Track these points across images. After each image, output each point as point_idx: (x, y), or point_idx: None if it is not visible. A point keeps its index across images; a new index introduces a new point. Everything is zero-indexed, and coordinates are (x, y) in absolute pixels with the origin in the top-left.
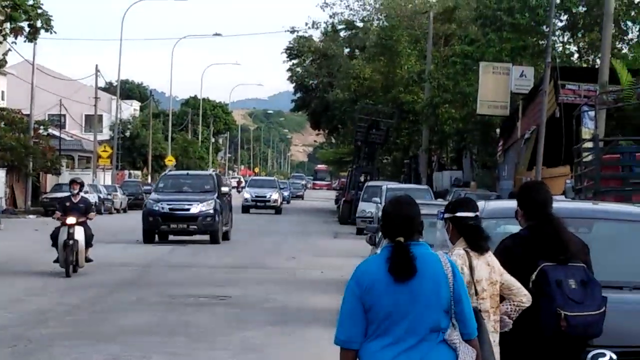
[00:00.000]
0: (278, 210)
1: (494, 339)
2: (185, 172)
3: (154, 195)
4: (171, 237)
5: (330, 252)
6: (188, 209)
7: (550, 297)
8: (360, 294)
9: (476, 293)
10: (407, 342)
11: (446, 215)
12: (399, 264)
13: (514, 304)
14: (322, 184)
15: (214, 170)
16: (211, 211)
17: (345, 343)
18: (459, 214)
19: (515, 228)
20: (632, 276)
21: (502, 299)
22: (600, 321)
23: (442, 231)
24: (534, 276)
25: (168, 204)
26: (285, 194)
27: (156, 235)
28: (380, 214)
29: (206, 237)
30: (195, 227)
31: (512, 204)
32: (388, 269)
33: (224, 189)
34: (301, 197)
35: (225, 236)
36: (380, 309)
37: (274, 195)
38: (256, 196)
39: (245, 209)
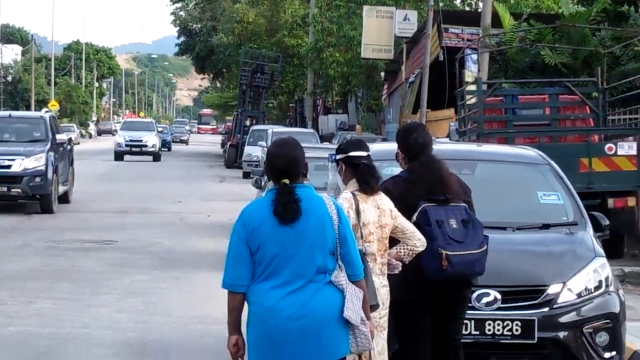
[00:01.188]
0: (156, 157)
1: (382, 281)
2: (7, 113)
3: None
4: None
5: (216, 196)
6: (9, 166)
7: (432, 236)
8: (245, 236)
9: (362, 236)
10: (294, 283)
11: (339, 156)
12: (284, 206)
13: (407, 248)
14: (207, 128)
15: (47, 111)
16: (41, 168)
17: (232, 286)
18: (351, 154)
19: (400, 170)
20: (515, 217)
21: (396, 242)
22: (481, 260)
23: (335, 174)
24: (415, 217)
25: None
26: (167, 138)
27: None
28: (265, 157)
29: (36, 202)
30: (19, 190)
31: (396, 146)
32: (273, 212)
33: (61, 138)
34: (185, 142)
35: (65, 199)
36: (266, 251)
37: (152, 140)
38: (130, 140)
39: (119, 155)
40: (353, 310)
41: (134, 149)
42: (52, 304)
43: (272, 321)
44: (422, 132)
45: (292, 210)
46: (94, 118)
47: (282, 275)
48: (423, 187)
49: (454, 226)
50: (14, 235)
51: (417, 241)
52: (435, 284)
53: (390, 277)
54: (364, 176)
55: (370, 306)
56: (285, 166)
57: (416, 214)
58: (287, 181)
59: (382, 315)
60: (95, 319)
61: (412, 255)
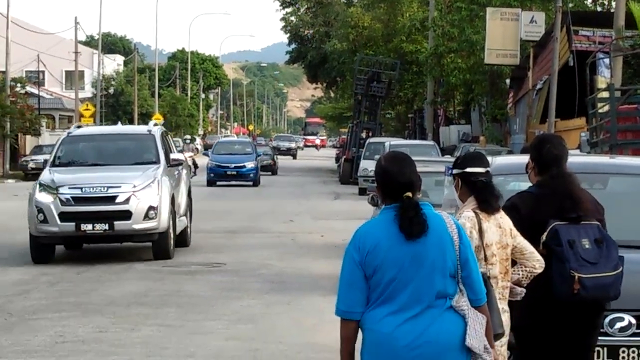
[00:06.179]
0: (163, 251)
1: (503, 306)
2: None
3: None
4: None
5: (330, 214)
6: None
7: (563, 258)
8: (360, 259)
9: (485, 258)
10: (412, 309)
11: (455, 171)
12: (411, 220)
13: (526, 270)
14: (313, 141)
15: None
16: None
17: (346, 314)
18: (468, 170)
19: (528, 185)
20: None
21: (514, 262)
22: (616, 282)
23: (451, 189)
24: (544, 236)
25: None
26: (250, 165)
27: None
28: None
29: None
30: None
31: (523, 159)
32: (399, 227)
33: None
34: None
35: None
36: (383, 274)
37: (149, 195)
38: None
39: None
40: (476, 337)
41: (90, 232)
42: (156, 331)
43: (388, 350)
44: (558, 144)
45: (420, 223)
46: (201, 132)
47: (398, 300)
48: (553, 204)
49: (587, 246)
50: (117, 257)
51: (536, 262)
52: (565, 309)
53: (512, 302)
54: (483, 194)
55: (494, 335)
56: (408, 180)
57: (546, 234)
58: (410, 194)
59: (503, 343)
60: (203, 347)
61: (530, 278)
